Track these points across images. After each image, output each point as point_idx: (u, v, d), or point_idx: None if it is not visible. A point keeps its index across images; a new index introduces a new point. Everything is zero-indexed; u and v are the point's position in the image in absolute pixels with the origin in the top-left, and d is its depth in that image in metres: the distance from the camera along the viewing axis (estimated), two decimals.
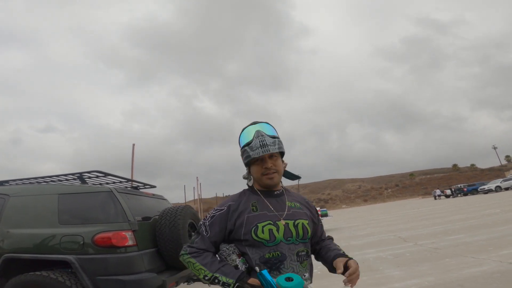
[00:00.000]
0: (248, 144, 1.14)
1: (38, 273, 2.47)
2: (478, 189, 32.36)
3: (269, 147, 1.11)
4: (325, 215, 13.37)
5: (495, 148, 71.02)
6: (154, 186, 4.14)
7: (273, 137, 1.15)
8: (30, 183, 3.46)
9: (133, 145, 11.05)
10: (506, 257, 4.36)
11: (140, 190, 3.92)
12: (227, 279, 1.02)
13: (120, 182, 3.73)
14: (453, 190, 36.19)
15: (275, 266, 1.06)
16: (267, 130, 1.16)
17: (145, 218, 3.05)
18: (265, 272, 1.00)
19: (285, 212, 1.14)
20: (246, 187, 1.27)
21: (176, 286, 3.19)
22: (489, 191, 30.28)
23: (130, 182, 3.89)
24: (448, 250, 5.50)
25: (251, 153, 1.12)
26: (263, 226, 1.08)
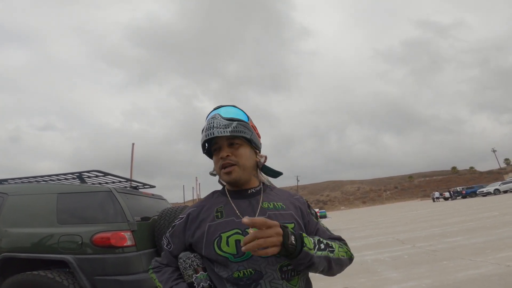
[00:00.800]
0: (203, 130, 0.92)
1: (35, 272, 2.46)
2: (477, 192, 32.43)
3: (214, 129, 0.86)
4: (324, 216, 13.40)
5: (494, 151, 71.20)
6: (154, 186, 4.14)
7: (230, 119, 0.89)
8: (29, 182, 3.46)
9: (133, 144, 11.05)
10: (503, 260, 4.37)
11: (140, 190, 3.92)
12: None
13: (120, 181, 3.73)
14: (451, 192, 36.26)
15: None
16: (226, 113, 0.92)
17: (144, 218, 3.05)
18: None
19: (256, 217, 0.87)
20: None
21: None
22: (487, 194, 30.33)
23: (129, 182, 3.90)
24: (446, 252, 5.51)
25: (202, 141, 0.92)
26: (228, 237, 0.83)
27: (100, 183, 3.56)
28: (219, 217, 0.88)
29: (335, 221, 21.07)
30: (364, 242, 8.43)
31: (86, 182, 3.42)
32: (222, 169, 0.90)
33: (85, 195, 2.85)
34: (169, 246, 0.95)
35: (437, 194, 38.23)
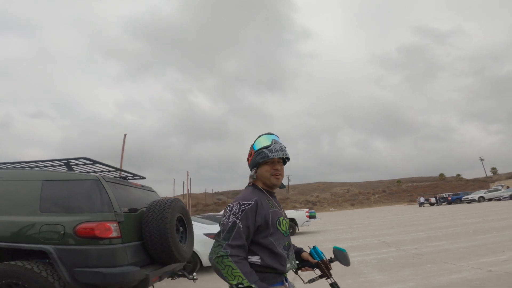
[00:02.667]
0: (266, 147, 1.34)
1: (12, 262, 2.38)
2: (462, 199, 33.26)
3: (286, 152, 1.37)
4: (313, 216, 13.48)
5: (482, 160, 73.13)
6: (144, 178, 4.05)
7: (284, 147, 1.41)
8: (14, 167, 3.34)
9: (125, 135, 10.88)
10: (485, 265, 4.48)
11: (129, 180, 3.84)
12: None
13: (109, 171, 3.64)
14: (437, 198, 37.09)
15: (286, 253, 1.30)
16: (280, 141, 1.41)
17: (132, 210, 2.98)
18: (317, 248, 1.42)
19: (282, 210, 1.40)
20: (246, 185, 1.44)
21: (159, 281, 3.13)
22: (472, 201, 31.17)
23: (119, 171, 3.81)
24: (430, 256, 5.62)
25: (270, 154, 1.32)
26: (282, 220, 1.32)
27: (88, 172, 3.47)
28: (272, 207, 1.31)
29: (324, 222, 21.28)
30: (351, 243, 8.53)
31: (73, 170, 3.32)
32: (273, 175, 1.34)
33: (71, 183, 2.76)
34: (243, 229, 1.18)
35: (422, 199, 39.02)
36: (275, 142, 1.36)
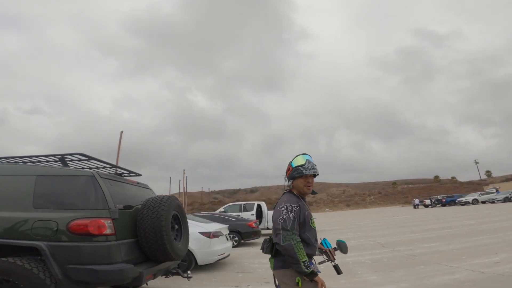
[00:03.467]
0: (302, 165, 1.80)
1: (4, 259, 2.34)
2: (456, 201, 33.53)
3: (317, 170, 1.83)
4: None
5: (476, 162, 73.88)
6: (140, 175, 4.02)
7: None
8: (8, 162, 3.30)
9: (121, 132, 10.85)
10: (477, 266, 4.53)
11: (125, 177, 3.81)
12: (309, 266, 1.61)
13: (104, 167, 3.61)
14: (432, 200, 37.38)
15: (315, 244, 1.80)
16: (313, 160, 1.85)
17: (127, 207, 2.96)
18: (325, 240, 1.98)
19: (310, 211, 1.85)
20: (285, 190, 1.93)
21: (153, 278, 3.12)
22: (466, 203, 31.45)
23: (114, 168, 3.78)
24: (424, 257, 5.67)
25: (304, 171, 1.78)
26: (313, 219, 1.84)
27: (83, 168, 3.44)
28: (306, 209, 1.79)
29: (320, 222, 21.29)
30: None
31: (68, 166, 3.29)
32: (305, 186, 1.82)
33: (66, 179, 2.73)
34: (295, 222, 1.67)
35: (417, 201, 39.28)
36: (308, 162, 1.80)
